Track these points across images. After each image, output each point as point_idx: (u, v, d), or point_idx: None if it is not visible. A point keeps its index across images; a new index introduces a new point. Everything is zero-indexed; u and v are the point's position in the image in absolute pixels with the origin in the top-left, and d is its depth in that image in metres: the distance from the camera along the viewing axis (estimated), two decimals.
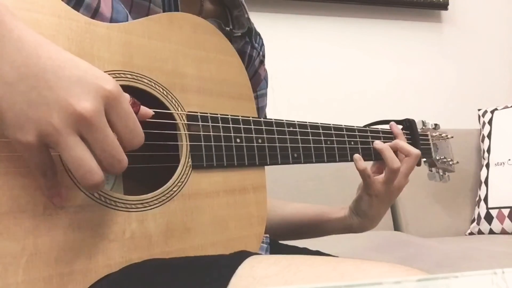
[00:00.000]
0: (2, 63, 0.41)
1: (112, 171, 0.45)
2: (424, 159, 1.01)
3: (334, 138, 0.79)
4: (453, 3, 2.17)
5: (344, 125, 0.82)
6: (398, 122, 0.97)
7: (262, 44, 0.89)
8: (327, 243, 1.36)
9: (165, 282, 0.47)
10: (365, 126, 0.90)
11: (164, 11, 0.67)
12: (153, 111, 0.53)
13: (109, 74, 0.54)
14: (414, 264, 1.14)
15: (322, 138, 0.78)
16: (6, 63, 0.41)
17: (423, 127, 1.01)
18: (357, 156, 0.81)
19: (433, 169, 1.05)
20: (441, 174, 1.05)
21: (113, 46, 0.56)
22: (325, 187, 1.70)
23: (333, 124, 0.80)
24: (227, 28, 0.77)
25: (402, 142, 0.87)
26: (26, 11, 0.49)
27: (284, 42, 1.97)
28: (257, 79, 0.87)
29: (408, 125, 0.96)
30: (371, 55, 2.10)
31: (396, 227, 1.76)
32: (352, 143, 0.82)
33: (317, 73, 2.01)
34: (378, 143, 0.85)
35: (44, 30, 0.50)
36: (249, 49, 0.83)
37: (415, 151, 0.85)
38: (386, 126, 0.93)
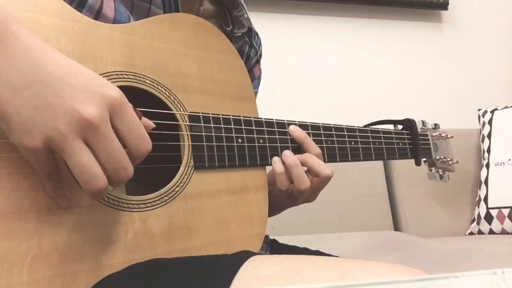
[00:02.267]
0: (10, 70, 0.41)
1: (117, 178, 0.45)
2: (424, 159, 1.02)
3: (335, 138, 0.80)
4: (453, 3, 2.17)
5: (345, 125, 0.83)
6: (398, 122, 0.98)
7: (260, 44, 0.90)
8: (327, 243, 1.36)
9: (168, 282, 0.48)
10: (365, 126, 0.90)
11: (164, 12, 0.67)
12: (154, 122, 0.53)
13: (111, 74, 0.55)
14: (414, 264, 1.14)
15: (323, 138, 0.78)
16: (13, 70, 0.41)
17: (423, 127, 1.02)
18: (276, 158, 0.72)
19: (433, 169, 1.06)
20: (441, 173, 1.06)
21: (116, 47, 0.56)
22: (326, 186, 1.69)
23: (333, 124, 0.80)
24: (227, 29, 0.77)
25: (312, 159, 0.73)
26: (29, 13, 0.49)
27: (284, 42, 1.97)
28: (251, 77, 0.87)
29: (408, 125, 0.97)
30: (371, 55, 2.10)
31: (396, 227, 1.76)
32: (353, 143, 0.82)
33: (317, 73, 2.01)
34: (288, 156, 0.72)
35: (47, 31, 0.50)
36: (247, 49, 0.83)
37: (325, 172, 0.73)
38: (386, 126, 0.93)
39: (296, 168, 0.71)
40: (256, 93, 0.91)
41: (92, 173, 0.43)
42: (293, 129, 0.75)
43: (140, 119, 0.50)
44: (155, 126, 0.53)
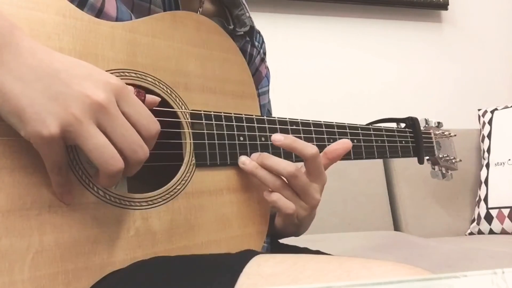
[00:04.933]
0: (19, 65, 0.43)
1: (136, 158, 0.47)
2: (427, 157, 1.02)
3: (337, 137, 0.79)
4: (453, 3, 2.18)
5: (347, 123, 0.83)
6: (400, 120, 0.98)
7: (263, 42, 0.90)
8: (327, 243, 1.36)
9: (173, 280, 0.47)
10: (367, 125, 0.90)
11: (164, 12, 0.67)
12: (159, 102, 0.55)
13: (113, 72, 0.55)
14: (414, 264, 1.14)
15: (325, 136, 0.78)
16: (22, 65, 0.43)
17: (426, 125, 1.02)
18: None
19: (436, 167, 1.06)
20: (444, 172, 1.06)
21: (117, 45, 0.56)
22: (326, 185, 1.70)
23: (335, 123, 0.80)
24: (229, 27, 0.77)
25: (271, 159, 0.64)
26: (31, 10, 0.49)
27: (284, 42, 1.97)
28: (259, 77, 0.87)
29: (410, 123, 0.96)
30: (371, 55, 2.10)
31: (396, 227, 1.76)
32: (355, 141, 0.82)
33: (317, 73, 2.01)
34: (246, 163, 0.65)
35: (49, 29, 0.50)
36: (249, 48, 0.83)
37: (288, 169, 0.63)
38: (388, 124, 0.93)
39: (259, 171, 0.64)
40: (267, 91, 0.91)
41: (110, 154, 0.45)
42: (277, 139, 0.64)
43: (144, 97, 0.51)
44: (160, 99, 0.55)
